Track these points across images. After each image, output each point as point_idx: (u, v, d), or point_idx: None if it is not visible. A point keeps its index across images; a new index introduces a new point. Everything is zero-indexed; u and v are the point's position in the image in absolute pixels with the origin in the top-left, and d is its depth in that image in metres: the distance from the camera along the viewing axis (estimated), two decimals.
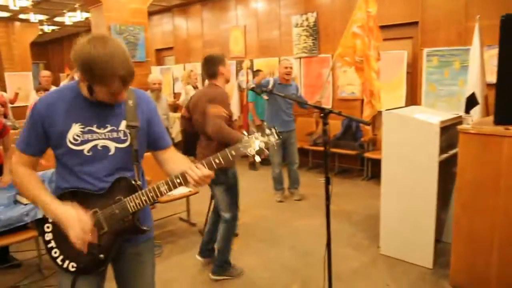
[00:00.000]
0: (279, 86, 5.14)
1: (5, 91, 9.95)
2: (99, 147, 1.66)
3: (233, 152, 1.61)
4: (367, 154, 6.28)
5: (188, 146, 3.65)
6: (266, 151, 1.62)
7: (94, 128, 1.65)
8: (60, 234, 1.63)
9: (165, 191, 1.64)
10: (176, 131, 7.95)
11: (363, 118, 4.70)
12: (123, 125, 1.71)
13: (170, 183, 1.64)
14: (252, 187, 6.21)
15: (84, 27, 12.72)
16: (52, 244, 1.69)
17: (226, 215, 3.36)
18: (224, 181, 3.30)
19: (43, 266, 3.63)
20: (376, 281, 3.36)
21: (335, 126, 6.75)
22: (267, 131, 1.63)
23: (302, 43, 7.40)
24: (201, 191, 4.32)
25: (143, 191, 1.65)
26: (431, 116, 3.49)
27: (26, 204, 3.41)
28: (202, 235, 4.15)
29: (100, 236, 1.65)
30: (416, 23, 5.96)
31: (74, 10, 10.16)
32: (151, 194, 1.64)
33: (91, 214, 1.63)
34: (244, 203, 5.35)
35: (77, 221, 1.54)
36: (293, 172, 5.49)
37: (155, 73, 7.52)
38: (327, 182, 2.49)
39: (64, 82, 7.76)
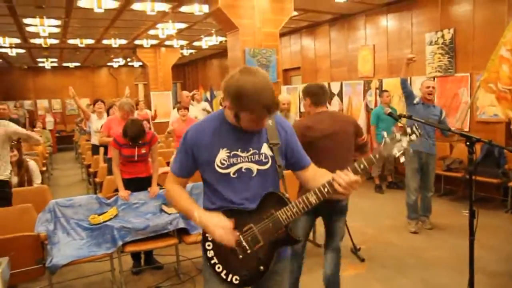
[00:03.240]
0: (422, 106, 4.90)
1: (149, 108, 11.23)
2: (243, 170, 1.79)
3: (377, 156, 1.62)
4: None
5: None
6: (410, 149, 1.60)
7: (239, 152, 1.79)
8: (220, 250, 1.79)
9: (314, 201, 1.69)
10: None
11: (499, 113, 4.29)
12: (264, 148, 1.82)
13: (318, 192, 1.68)
14: (379, 211, 5.99)
15: (218, 50, 13.80)
16: (215, 260, 1.82)
17: (339, 243, 3.23)
18: (345, 210, 3.22)
19: (180, 271, 3.98)
20: None
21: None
22: (408, 130, 1.61)
23: (436, 61, 6.98)
24: None
25: (293, 203, 1.72)
26: None
27: (170, 213, 3.80)
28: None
29: (257, 250, 1.76)
30: None
31: (210, 35, 11.07)
32: (301, 205, 1.70)
33: (247, 229, 1.76)
34: (371, 228, 5.25)
35: (218, 224, 1.70)
36: (427, 199, 5.14)
37: (284, 93, 7.78)
38: (472, 216, 2.31)
39: (192, 103, 8.40)
